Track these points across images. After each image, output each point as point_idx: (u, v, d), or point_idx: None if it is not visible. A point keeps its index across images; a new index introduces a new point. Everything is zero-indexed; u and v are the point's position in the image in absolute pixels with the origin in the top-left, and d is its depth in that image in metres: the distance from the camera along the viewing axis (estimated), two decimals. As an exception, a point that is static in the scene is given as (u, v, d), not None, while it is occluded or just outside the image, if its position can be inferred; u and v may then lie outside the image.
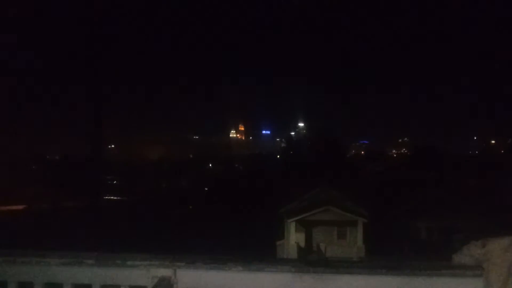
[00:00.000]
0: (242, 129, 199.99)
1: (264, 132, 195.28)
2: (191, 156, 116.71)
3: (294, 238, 26.85)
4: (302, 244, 27.10)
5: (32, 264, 2.60)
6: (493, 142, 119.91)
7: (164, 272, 2.49)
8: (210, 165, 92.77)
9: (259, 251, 23.36)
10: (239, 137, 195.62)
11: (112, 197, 64.21)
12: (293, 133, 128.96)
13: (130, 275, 2.54)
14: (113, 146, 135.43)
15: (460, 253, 2.52)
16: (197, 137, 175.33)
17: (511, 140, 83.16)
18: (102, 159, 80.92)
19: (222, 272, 2.49)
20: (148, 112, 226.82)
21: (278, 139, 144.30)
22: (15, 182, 53.46)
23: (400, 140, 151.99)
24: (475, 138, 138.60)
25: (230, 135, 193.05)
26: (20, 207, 47.98)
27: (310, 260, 2.59)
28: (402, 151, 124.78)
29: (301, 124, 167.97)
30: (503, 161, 57.51)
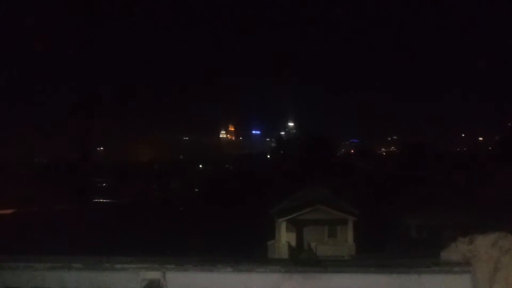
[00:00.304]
0: (232, 129, 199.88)
1: (254, 132, 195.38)
2: (181, 157, 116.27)
3: (285, 237, 26.86)
4: (293, 243, 27.14)
5: (20, 270, 2.57)
6: (481, 139, 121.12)
7: (153, 275, 2.48)
8: (201, 166, 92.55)
9: (250, 251, 23.38)
10: (229, 138, 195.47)
11: (101, 200, 63.78)
12: (283, 133, 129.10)
13: (119, 278, 2.52)
14: (102, 148, 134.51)
15: (448, 250, 2.54)
16: (187, 138, 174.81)
17: (499, 137, 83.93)
18: (91, 161, 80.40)
19: (211, 274, 2.48)
20: (138, 113, 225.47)
21: (268, 139, 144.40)
22: (4, 185, 52.86)
23: (389, 138, 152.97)
24: (463, 135, 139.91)
25: (220, 136, 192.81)
26: (9, 211, 47.47)
27: (300, 259, 2.60)
28: (391, 149, 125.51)
29: (291, 124, 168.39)
30: (491, 157, 58.09)
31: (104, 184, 76.21)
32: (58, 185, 57.98)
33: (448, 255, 2.54)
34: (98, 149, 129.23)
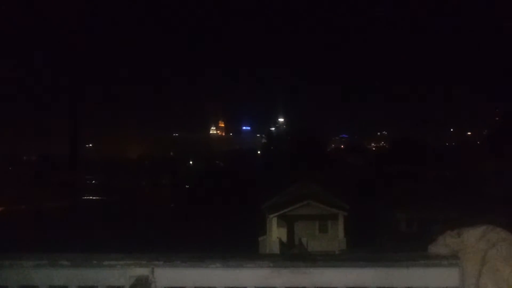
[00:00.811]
0: (222, 125, 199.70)
1: (244, 128, 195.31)
2: (171, 153, 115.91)
3: (276, 233, 26.97)
4: (284, 239, 27.25)
5: (5, 267, 2.54)
6: (469, 133, 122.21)
7: (141, 271, 2.46)
8: (191, 162, 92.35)
9: (241, 247, 23.44)
10: (220, 134, 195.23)
11: (91, 197, 63.46)
12: (273, 129, 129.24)
13: (107, 275, 2.50)
14: (91, 145, 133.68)
15: (436, 243, 2.55)
16: (177, 134, 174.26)
17: (487, 131, 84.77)
18: (80, 158, 79.85)
19: (200, 270, 2.47)
20: (127, 110, 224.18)
21: (258, 135, 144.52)
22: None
23: (379, 134, 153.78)
24: (451, 130, 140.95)
25: (210, 132, 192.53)
26: (-2, 209, 47.12)
27: (289, 254, 2.60)
28: (381, 144, 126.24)
29: (281, 120, 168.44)
30: (480, 152, 58.66)
31: (93, 181, 75.83)
32: (47, 183, 57.58)
33: (436, 249, 2.55)
34: (87, 146, 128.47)
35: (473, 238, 2.42)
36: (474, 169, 44.12)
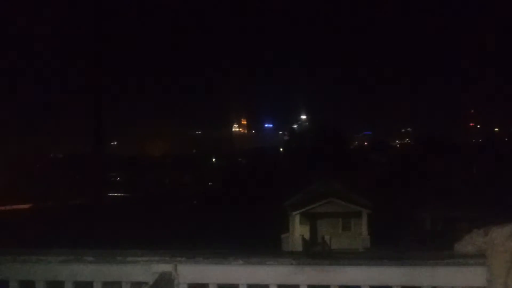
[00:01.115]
0: (245, 123, 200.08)
1: (266, 125, 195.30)
2: (194, 151, 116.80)
3: (298, 230, 26.95)
4: (307, 236, 27.22)
5: (32, 262, 2.61)
6: (497, 130, 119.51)
7: (164, 267, 2.50)
8: (214, 160, 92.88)
9: (264, 244, 23.46)
10: (242, 131, 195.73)
11: (116, 194, 64.48)
12: (295, 126, 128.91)
13: (131, 271, 2.55)
14: (115, 142, 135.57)
15: (463, 242, 2.51)
16: (199, 132, 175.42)
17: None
18: (105, 156, 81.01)
19: (222, 266, 2.50)
20: (150, 107, 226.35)
21: (280, 132, 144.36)
22: (20, 181, 53.65)
23: (403, 130, 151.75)
24: (478, 126, 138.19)
25: (233, 129, 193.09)
26: (26, 206, 48.18)
27: (312, 252, 2.60)
28: (406, 141, 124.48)
29: (303, 117, 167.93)
30: (507, 149, 57.38)
31: (118, 179, 76.99)
32: (74, 180, 58.73)
33: (462, 247, 2.51)
34: (111, 143, 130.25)
35: (501, 237, 2.37)
36: (501, 167, 43.20)
